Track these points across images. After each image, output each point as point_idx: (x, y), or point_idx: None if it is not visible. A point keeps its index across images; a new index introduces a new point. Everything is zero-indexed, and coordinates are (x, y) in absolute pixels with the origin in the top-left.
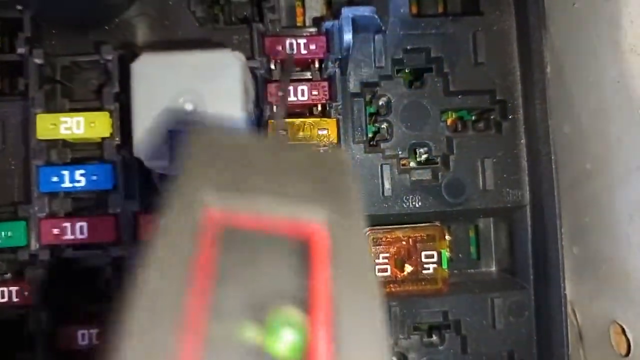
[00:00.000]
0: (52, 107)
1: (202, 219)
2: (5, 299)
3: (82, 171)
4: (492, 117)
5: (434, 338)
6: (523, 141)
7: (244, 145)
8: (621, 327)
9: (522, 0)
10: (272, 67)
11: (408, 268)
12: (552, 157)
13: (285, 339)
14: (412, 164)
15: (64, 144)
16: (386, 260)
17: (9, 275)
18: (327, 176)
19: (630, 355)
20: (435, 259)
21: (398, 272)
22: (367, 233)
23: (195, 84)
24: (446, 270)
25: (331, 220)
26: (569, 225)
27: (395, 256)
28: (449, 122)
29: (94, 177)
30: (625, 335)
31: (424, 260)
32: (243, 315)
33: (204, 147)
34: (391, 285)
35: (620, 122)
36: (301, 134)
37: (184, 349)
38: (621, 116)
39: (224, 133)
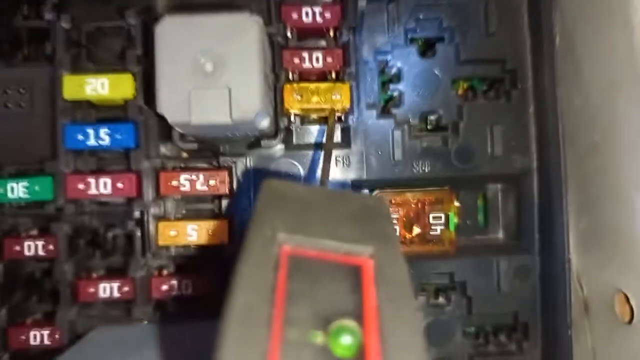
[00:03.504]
0: (77, 70)
1: (278, 254)
2: (32, 252)
3: (106, 130)
4: (501, 87)
5: (441, 299)
6: (531, 109)
7: (309, 194)
8: (625, 295)
9: None
10: (289, 34)
11: (416, 230)
12: (559, 125)
13: (344, 341)
14: (422, 130)
15: (89, 105)
16: (395, 222)
17: (35, 232)
18: (372, 220)
19: (633, 322)
20: (442, 221)
21: (406, 234)
22: (405, 264)
23: (216, 46)
24: (453, 232)
25: (375, 254)
26: (576, 198)
27: (404, 218)
28: (460, 92)
29: (118, 136)
30: (629, 303)
31: (431, 222)
32: (311, 323)
33: (277, 195)
34: (401, 247)
35: (629, 95)
36: (315, 98)
37: (269, 348)
38: (630, 89)
39: (291, 185)
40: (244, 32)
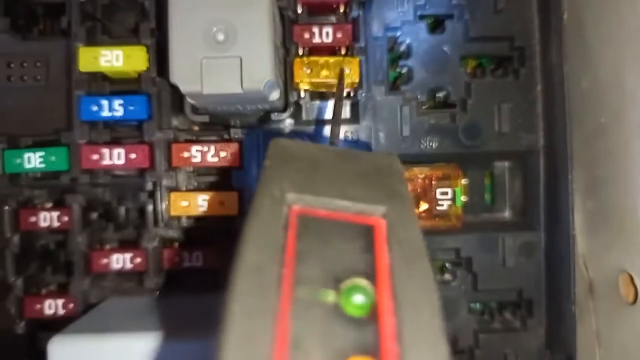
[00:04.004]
0: (92, 44)
1: (287, 214)
2: (47, 224)
3: (120, 101)
4: (510, 64)
5: (446, 275)
6: (539, 87)
7: (318, 153)
8: (630, 276)
9: None
10: (299, 9)
11: (423, 205)
12: (566, 103)
13: (356, 300)
14: (430, 107)
15: (104, 77)
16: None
17: (50, 204)
18: (384, 179)
19: (637, 302)
20: (449, 197)
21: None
22: (418, 223)
23: (227, 16)
24: (460, 207)
25: (388, 213)
26: (584, 179)
27: (412, 193)
28: (468, 69)
29: (131, 107)
30: (634, 284)
31: (438, 197)
32: (322, 283)
33: (285, 154)
34: None
35: (638, 74)
36: (324, 72)
37: (278, 307)
38: (639, 68)
39: (300, 143)
40: (256, 3)
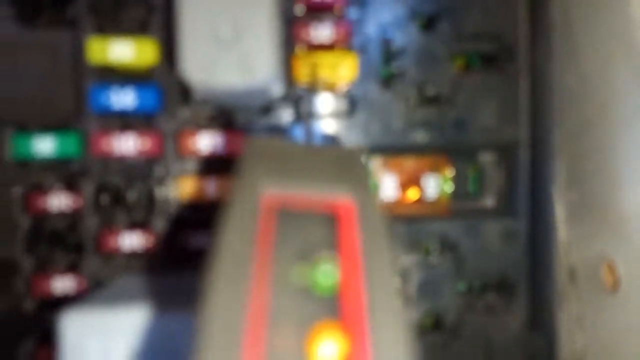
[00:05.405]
0: (101, 36)
1: (260, 201)
2: (57, 207)
3: (131, 93)
4: (497, 62)
5: (433, 258)
6: (524, 84)
7: (288, 148)
8: (611, 265)
9: None
10: (299, 9)
11: (412, 193)
12: (550, 98)
13: (324, 274)
14: (420, 102)
15: (113, 68)
16: (393, 186)
17: (60, 188)
18: (349, 169)
19: (618, 290)
20: (437, 185)
21: (403, 196)
22: (381, 208)
23: (234, 13)
24: (447, 195)
25: (354, 194)
26: (567, 172)
27: (401, 182)
28: (457, 66)
29: (141, 99)
30: (614, 272)
31: (427, 186)
32: (294, 262)
33: (258, 150)
34: (398, 208)
35: (625, 71)
36: (322, 69)
37: (255, 287)
38: (626, 65)
39: (272, 140)
40: (260, 3)
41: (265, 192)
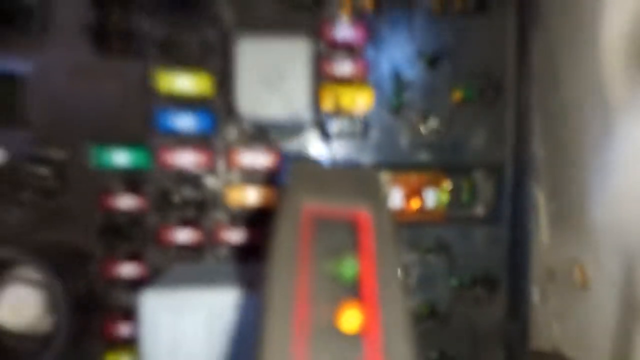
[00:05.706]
0: (166, 68)
1: (302, 212)
2: (125, 207)
3: (189, 116)
4: (488, 95)
5: (430, 256)
6: (510, 113)
7: (322, 170)
8: (581, 266)
9: (520, 4)
10: (325, 49)
11: (414, 203)
12: (532, 126)
13: (348, 267)
14: (424, 128)
15: (176, 97)
16: (399, 196)
17: (128, 191)
18: (368, 187)
19: (587, 288)
20: (436, 197)
21: (407, 206)
22: (392, 214)
23: (279, 61)
24: (443, 205)
25: (371, 207)
26: (549, 185)
27: (406, 193)
28: (455, 98)
29: (198, 121)
30: (585, 273)
31: (427, 197)
32: (327, 257)
33: (300, 172)
34: (402, 215)
35: (593, 101)
36: (344, 98)
37: (300, 275)
38: (594, 97)
39: (314, 164)
40: (299, 52)
41: (305, 205)
